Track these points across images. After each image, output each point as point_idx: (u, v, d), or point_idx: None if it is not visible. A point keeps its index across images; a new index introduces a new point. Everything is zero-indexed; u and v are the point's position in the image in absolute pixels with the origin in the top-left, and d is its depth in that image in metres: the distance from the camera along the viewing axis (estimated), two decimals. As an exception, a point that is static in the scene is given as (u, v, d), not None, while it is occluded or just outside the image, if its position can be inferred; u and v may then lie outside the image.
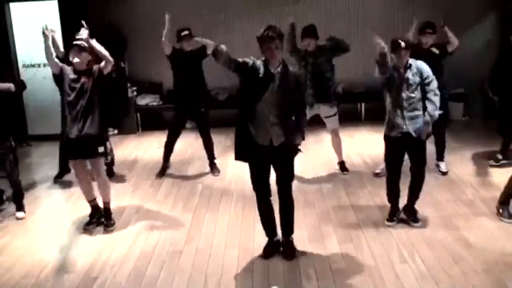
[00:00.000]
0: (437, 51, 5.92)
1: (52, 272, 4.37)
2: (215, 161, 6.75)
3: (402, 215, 5.00)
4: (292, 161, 4.34)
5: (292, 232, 4.50)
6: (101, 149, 4.99)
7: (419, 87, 4.67)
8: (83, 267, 4.42)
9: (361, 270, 4.17)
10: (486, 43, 9.32)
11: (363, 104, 9.55)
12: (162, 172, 6.68)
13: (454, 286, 3.88)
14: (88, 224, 5.21)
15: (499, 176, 5.97)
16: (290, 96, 4.19)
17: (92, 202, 5.27)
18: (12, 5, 8.78)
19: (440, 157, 6.38)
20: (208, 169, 6.76)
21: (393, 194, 4.98)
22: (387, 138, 4.88)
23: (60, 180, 6.72)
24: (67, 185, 6.64)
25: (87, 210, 5.68)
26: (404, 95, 4.67)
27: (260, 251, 4.52)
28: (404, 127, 4.69)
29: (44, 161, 7.77)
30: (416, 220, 4.92)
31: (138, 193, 6.23)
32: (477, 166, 6.54)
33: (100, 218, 5.23)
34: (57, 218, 5.60)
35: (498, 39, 9.23)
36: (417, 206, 5.14)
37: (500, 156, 6.47)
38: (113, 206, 5.72)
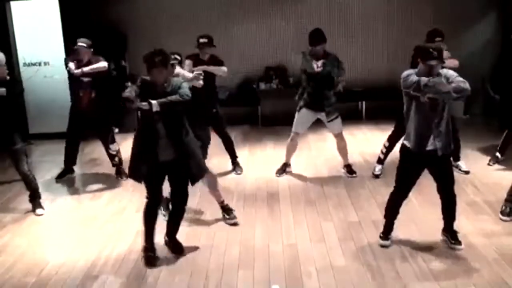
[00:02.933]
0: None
1: (52, 271, 4.37)
2: (238, 159, 6.78)
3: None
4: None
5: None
6: None
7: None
8: (83, 266, 4.43)
9: (362, 268, 4.18)
10: (487, 42, 9.32)
11: (363, 103, 9.54)
12: None
13: (455, 285, 3.88)
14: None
15: (500, 173, 5.97)
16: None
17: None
18: (12, 3, 8.78)
19: (456, 157, 6.28)
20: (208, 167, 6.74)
21: (392, 212, 4.57)
22: (407, 152, 4.36)
23: (61, 179, 6.73)
24: (68, 183, 6.66)
25: (88, 208, 5.72)
26: (437, 109, 4.19)
27: (261, 249, 4.53)
28: (432, 144, 4.21)
29: (45, 159, 7.77)
30: (458, 242, 4.44)
31: (138, 191, 6.21)
32: (478, 165, 6.54)
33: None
34: (58, 216, 5.60)
35: (498, 38, 9.23)
36: (418, 205, 5.14)
37: (499, 155, 6.48)
38: (113, 205, 5.74)
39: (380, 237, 4.60)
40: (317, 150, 7.56)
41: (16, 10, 8.81)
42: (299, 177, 6.47)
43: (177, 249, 4.62)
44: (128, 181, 6.58)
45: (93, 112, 6.39)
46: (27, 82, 8.91)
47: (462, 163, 6.33)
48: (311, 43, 6.06)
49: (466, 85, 4.07)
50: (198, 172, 4.53)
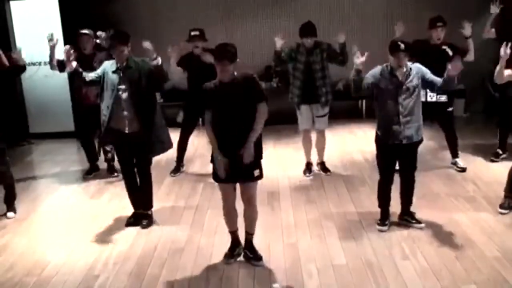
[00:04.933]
0: (450, 52, 5.73)
1: (53, 270, 4.38)
2: None
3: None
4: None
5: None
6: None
7: (416, 90, 4.56)
8: (84, 265, 4.43)
9: (363, 267, 4.18)
10: (487, 40, 9.29)
11: (364, 101, 9.54)
12: (177, 169, 6.74)
13: (455, 282, 3.88)
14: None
15: (500, 171, 5.96)
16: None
17: (234, 234, 4.53)
18: (12, 3, 8.78)
19: (454, 154, 6.31)
20: (210, 167, 6.74)
21: (384, 199, 4.89)
22: (381, 144, 4.79)
23: (89, 176, 6.77)
24: (69, 183, 6.65)
25: (88, 208, 5.71)
26: (400, 100, 4.55)
27: (261, 248, 4.51)
28: (401, 133, 4.58)
29: (45, 159, 7.78)
30: (418, 221, 4.84)
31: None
32: (478, 162, 6.54)
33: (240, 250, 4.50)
34: (59, 216, 5.60)
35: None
36: (419, 203, 5.13)
37: (500, 151, 6.50)
38: (113, 204, 5.74)
39: (378, 223, 4.86)
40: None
41: (16, 10, 8.81)
42: (299, 176, 6.46)
43: (148, 221, 5.14)
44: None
45: (98, 107, 6.30)
46: (27, 81, 8.93)
47: (459, 160, 6.32)
48: (302, 35, 6.02)
49: (438, 80, 4.56)
50: (159, 147, 5.07)
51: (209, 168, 6.41)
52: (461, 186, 5.82)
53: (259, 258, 4.34)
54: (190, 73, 6.46)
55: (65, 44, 8.55)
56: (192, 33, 6.32)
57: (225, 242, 4.56)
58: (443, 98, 5.93)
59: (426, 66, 4.67)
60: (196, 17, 9.17)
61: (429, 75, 4.61)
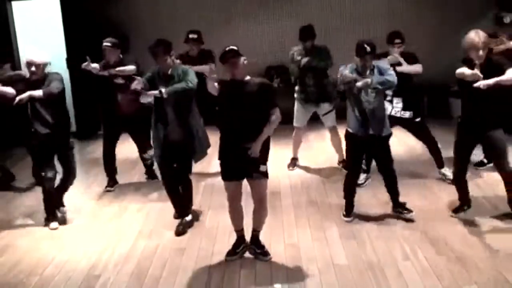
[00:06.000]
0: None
1: (55, 270, 4.39)
2: None
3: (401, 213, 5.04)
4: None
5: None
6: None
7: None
8: (86, 265, 4.44)
9: (364, 267, 4.18)
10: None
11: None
12: None
13: (456, 283, 3.88)
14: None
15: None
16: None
17: (240, 232, 4.57)
18: (14, 3, 8.80)
19: (440, 164, 6.00)
20: (210, 168, 6.76)
21: (350, 191, 5.09)
22: (351, 137, 4.95)
23: (112, 189, 6.32)
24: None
25: (89, 208, 5.70)
26: (366, 97, 4.77)
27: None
28: (369, 128, 4.80)
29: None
30: (408, 210, 4.98)
31: (140, 191, 6.23)
32: (476, 162, 6.51)
33: (244, 249, 4.54)
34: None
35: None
36: (419, 203, 5.15)
37: (485, 160, 6.30)
38: (115, 204, 5.74)
39: (343, 215, 5.08)
40: (318, 149, 7.56)
41: (18, 10, 8.82)
42: (300, 176, 6.47)
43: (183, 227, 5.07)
44: (131, 180, 6.61)
45: (133, 116, 5.94)
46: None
47: (446, 171, 5.95)
48: (301, 38, 6.23)
49: (392, 78, 4.71)
50: (200, 151, 5.10)
51: (210, 169, 6.42)
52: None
53: (266, 253, 4.42)
54: None
55: (66, 44, 8.62)
56: (190, 36, 6.33)
57: (226, 242, 4.57)
58: (407, 114, 5.76)
59: None
60: (197, 17, 9.17)
61: (387, 73, 4.74)
